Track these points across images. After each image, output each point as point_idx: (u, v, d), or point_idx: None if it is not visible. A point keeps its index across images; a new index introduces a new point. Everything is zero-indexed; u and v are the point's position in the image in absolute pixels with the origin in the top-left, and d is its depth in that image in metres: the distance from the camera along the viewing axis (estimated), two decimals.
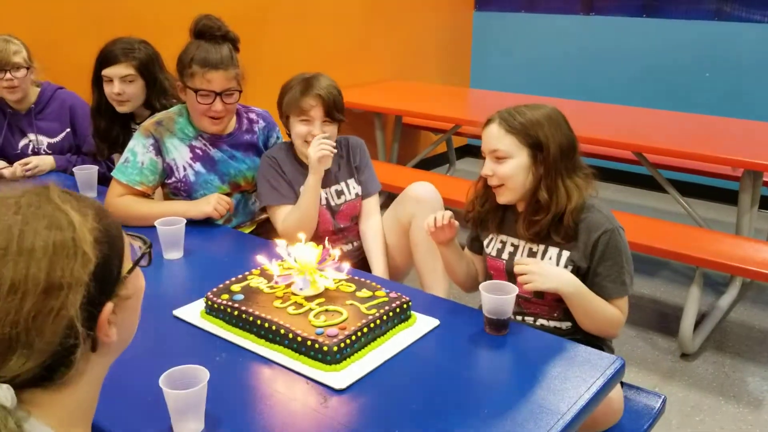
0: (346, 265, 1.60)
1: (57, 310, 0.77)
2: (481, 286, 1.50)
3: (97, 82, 2.52)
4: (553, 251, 1.74)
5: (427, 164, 5.22)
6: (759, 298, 3.36)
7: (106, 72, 2.46)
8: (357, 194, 2.29)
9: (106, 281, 0.84)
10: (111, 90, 2.46)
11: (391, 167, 4.24)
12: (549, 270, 1.67)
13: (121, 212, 2.13)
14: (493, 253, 1.84)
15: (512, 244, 1.81)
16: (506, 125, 1.70)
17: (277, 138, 2.41)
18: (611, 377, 1.34)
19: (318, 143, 2.09)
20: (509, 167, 1.70)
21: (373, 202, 2.32)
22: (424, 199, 2.17)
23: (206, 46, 2.13)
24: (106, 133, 2.60)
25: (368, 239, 2.27)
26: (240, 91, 2.20)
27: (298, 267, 1.55)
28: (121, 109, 2.52)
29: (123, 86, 2.46)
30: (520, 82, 5.19)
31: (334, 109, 2.14)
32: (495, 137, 1.71)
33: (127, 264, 0.89)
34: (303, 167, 2.20)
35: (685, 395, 2.60)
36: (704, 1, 4.56)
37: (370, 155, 2.36)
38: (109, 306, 0.84)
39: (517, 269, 1.64)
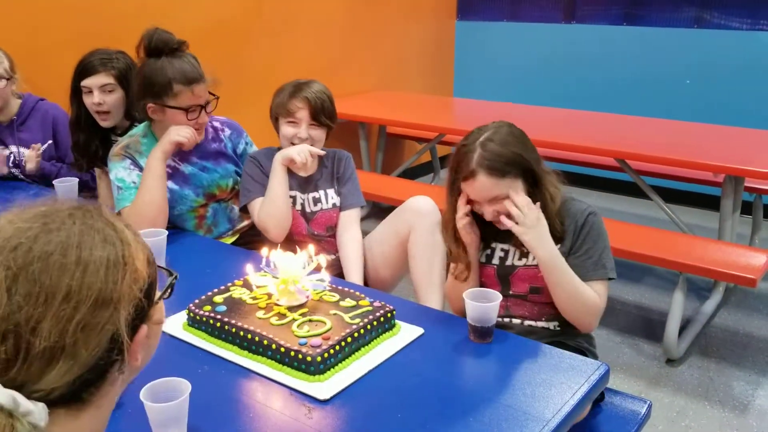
0: (327, 276, 1.59)
1: (104, 324, 0.77)
2: (464, 294, 1.50)
3: (76, 94, 2.50)
4: None
5: (412, 174, 5.23)
6: (742, 302, 3.38)
7: (85, 83, 2.44)
8: (334, 204, 2.28)
9: (149, 302, 0.84)
10: (91, 101, 2.44)
11: (375, 177, 4.24)
12: (541, 230, 1.65)
13: (136, 219, 2.07)
14: (483, 260, 1.83)
15: (502, 249, 1.81)
16: (495, 171, 1.65)
17: (246, 144, 2.40)
18: (596, 383, 1.34)
19: (303, 148, 2.14)
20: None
21: (353, 215, 2.29)
22: (424, 211, 2.16)
23: (176, 63, 2.10)
24: (85, 146, 2.57)
25: (346, 250, 2.25)
26: (217, 98, 2.19)
27: (280, 278, 1.54)
28: (105, 123, 2.50)
29: (103, 96, 2.44)
30: (503, 91, 5.21)
31: (322, 114, 2.16)
32: (489, 187, 1.66)
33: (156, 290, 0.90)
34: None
35: (670, 400, 2.61)
36: (684, 10, 4.61)
37: (355, 166, 2.36)
38: (144, 328, 0.84)
39: (514, 211, 1.64)
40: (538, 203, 1.66)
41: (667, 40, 4.66)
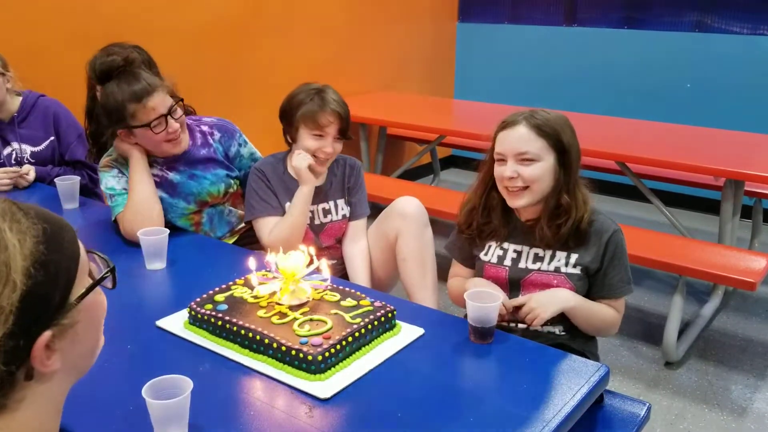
0: (326, 272, 1.60)
1: None
2: (465, 295, 1.50)
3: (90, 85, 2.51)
4: (561, 255, 1.76)
5: (412, 175, 5.23)
6: (741, 306, 3.38)
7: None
8: (344, 215, 2.26)
9: (39, 310, 0.78)
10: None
11: (375, 178, 4.24)
12: (543, 297, 1.70)
13: (132, 219, 2.06)
14: (494, 260, 1.83)
15: (515, 250, 1.81)
16: (536, 128, 1.70)
17: (240, 145, 2.35)
18: (596, 384, 1.35)
19: (303, 154, 2.10)
20: (538, 170, 1.70)
21: (360, 225, 2.28)
22: (410, 214, 2.15)
23: (124, 83, 2.05)
24: (96, 136, 2.56)
25: (354, 262, 2.23)
26: (182, 100, 2.15)
27: (282, 277, 1.54)
28: None
29: None
30: (504, 93, 5.22)
31: (347, 127, 2.14)
32: (525, 139, 1.71)
33: (80, 288, 0.83)
34: (292, 181, 2.18)
35: (669, 403, 2.61)
36: (685, 14, 4.61)
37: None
38: (45, 335, 0.78)
39: (521, 314, 1.69)
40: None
41: (668, 43, 4.67)
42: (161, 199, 2.18)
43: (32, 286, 0.76)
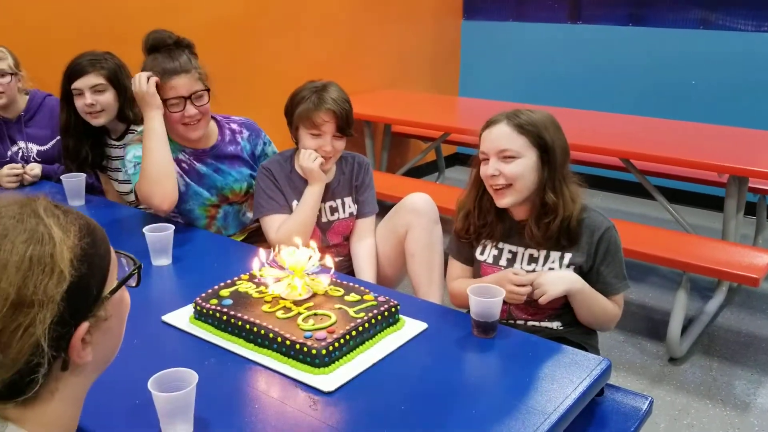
0: (330, 263, 1.61)
1: (25, 327, 0.75)
2: (468, 290, 1.51)
3: (66, 99, 2.50)
4: (555, 255, 1.77)
5: (417, 172, 5.24)
6: (745, 302, 3.38)
7: (76, 84, 2.44)
8: (351, 213, 2.26)
9: (81, 301, 0.82)
10: (83, 102, 2.44)
11: (380, 175, 4.25)
12: (552, 275, 1.71)
13: (145, 184, 2.12)
14: (489, 260, 1.84)
15: (510, 251, 1.82)
16: (516, 126, 1.71)
17: (264, 144, 2.39)
18: (597, 378, 1.36)
19: (311, 154, 2.10)
20: (519, 167, 1.71)
21: (368, 223, 2.28)
22: (421, 209, 2.16)
23: (161, 58, 2.14)
24: (75, 152, 2.56)
25: (360, 260, 2.24)
26: (208, 90, 2.20)
27: (286, 273, 1.56)
28: (96, 121, 2.48)
29: (95, 96, 2.44)
30: (509, 91, 5.22)
31: (346, 125, 2.12)
32: (505, 137, 1.72)
33: (111, 284, 0.87)
34: (299, 180, 2.19)
35: (672, 399, 2.62)
36: (690, 10, 4.61)
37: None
38: (84, 326, 0.82)
39: (526, 290, 1.70)
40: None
41: (672, 40, 4.66)
42: (188, 185, 2.25)
43: (77, 278, 0.80)
